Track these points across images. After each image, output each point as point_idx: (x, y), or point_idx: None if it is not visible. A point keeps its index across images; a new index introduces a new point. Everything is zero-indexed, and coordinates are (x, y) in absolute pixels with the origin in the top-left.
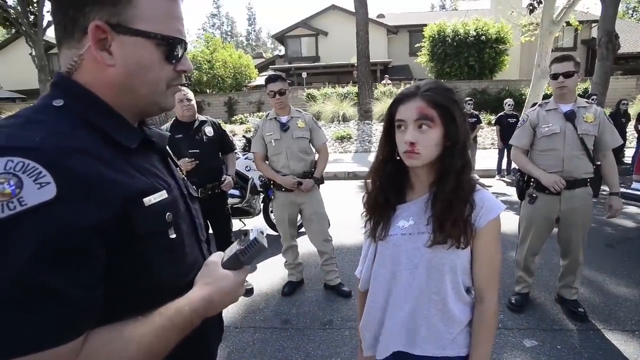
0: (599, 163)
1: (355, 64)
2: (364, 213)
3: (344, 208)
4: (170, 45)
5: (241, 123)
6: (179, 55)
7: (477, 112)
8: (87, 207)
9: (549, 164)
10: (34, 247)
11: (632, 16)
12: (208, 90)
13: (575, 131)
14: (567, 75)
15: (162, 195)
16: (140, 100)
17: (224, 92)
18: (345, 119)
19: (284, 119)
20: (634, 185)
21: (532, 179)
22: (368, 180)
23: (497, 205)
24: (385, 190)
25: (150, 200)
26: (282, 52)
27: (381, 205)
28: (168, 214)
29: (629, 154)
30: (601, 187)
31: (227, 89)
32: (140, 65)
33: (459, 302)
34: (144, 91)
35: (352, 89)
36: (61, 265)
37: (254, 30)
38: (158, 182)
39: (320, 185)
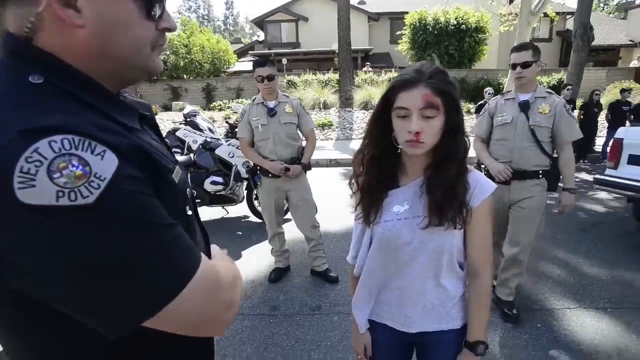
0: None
1: (337, 51)
2: (354, 197)
3: (327, 195)
4: None
5: (220, 110)
6: (161, 11)
7: None
8: (138, 169)
9: (501, 154)
10: (134, 204)
11: (603, 9)
12: (185, 76)
13: (527, 122)
14: (525, 65)
15: (179, 171)
16: (120, 67)
17: (201, 77)
18: (326, 106)
19: (271, 103)
20: (607, 171)
21: (485, 168)
22: (358, 165)
23: (489, 185)
24: (378, 174)
25: (175, 177)
26: (262, 38)
27: (374, 189)
28: (188, 189)
29: (600, 142)
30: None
31: (205, 75)
32: (116, 23)
33: (453, 277)
34: (125, 55)
35: (333, 76)
36: (155, 209)
37: (232, 15)
38: (169, 158)
39: (307, 172)
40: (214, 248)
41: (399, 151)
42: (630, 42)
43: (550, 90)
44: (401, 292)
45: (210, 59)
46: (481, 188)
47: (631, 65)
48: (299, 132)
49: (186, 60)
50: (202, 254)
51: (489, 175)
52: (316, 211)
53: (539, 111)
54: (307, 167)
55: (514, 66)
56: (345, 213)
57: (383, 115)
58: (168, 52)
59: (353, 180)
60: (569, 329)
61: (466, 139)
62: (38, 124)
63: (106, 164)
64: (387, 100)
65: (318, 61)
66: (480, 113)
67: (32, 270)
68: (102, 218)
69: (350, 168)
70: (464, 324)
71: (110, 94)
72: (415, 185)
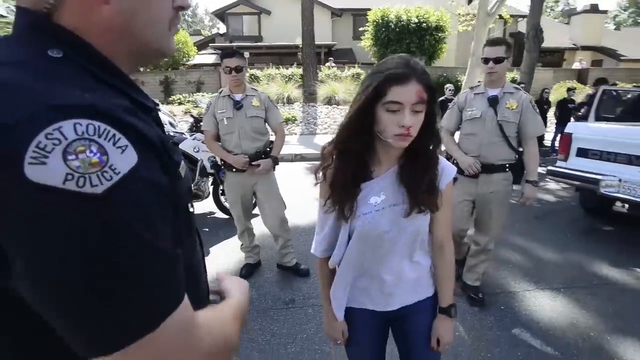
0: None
1: (300, 46)
2: (320, 187)
3: (293, 190)
4: None
5: (180, 103)
6: None
7: None
8: (159, 169)
9: (469, 148)
10: (140, 213)
11: (549, 14)
12: (142, 69)
13: (495, 117)
14: (498, 60)
15: (184, 165)
16: (139, 46)
17: (159, 70)
18: (289, 101)
19: (237, 96)
20: (559, 163)
21: (455, 160)
22: (328, 156)
23: (452, 168)
24: (353, 168)
25: (182, 171)
26: (222, 30)
27: (349, 184)
28: (191, 185)
29: (548, 137)
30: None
31: (163, 67)
32: (141, 1)
33: (423, 252)
34: (147, 34)
35: (296, 70)
36: (159, 228)
37: (191, 5)
38: (176, 150)
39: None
40: (231, 283)
41: (374, 143)
42: (573, 46)
43: (517, 86)
44: (382, 276)
45: None
46: (446, 172)
47: (574, 66)
48: (267, 126)
49: None
50: (186, 299)
51: (459, 168)
52: (285, 207)
53: (506, 107)
54: (275, 161)
55: (486, 60)
56: (312, 207)
57: (370, 109)
58: None
59: (320, 172)
60: (528, 309)
61: (439, 129)
62: (66, 102)
63: (125, 159)
64: (379, 94)
65: (281, 55)
66: (450, 107)
67: (19, 259)
68: (104, 212)
69: (316, 163)
70: (434, 291)
71: (126, 75)
72: (391, 175)
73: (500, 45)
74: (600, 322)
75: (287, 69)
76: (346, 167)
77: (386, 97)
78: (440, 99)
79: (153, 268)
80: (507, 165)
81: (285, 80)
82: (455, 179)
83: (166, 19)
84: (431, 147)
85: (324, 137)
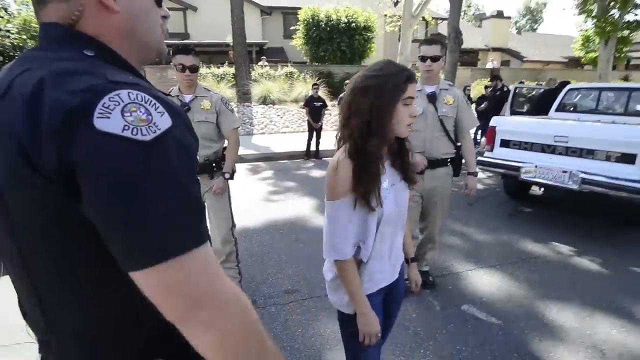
0: (459, 144)
1: (230, 44)
2: (343, 191)
3: (234, 191)
4: None
5: None
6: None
7: None
8: (188, 133)
9: (415, 143)
10: (175, 160)
11: (463, 18)
12: None
13: (435, 112)
14: (435, 59)
15: None
16: (142, 47)
17: None
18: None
19: (187, 97)
20: (486, 154)
21: None
22: (370, 157)
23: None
24: (380, 159)
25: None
26: None
27: (378, 175)
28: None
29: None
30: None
31: None
32: (141, 9)
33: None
34: (148, 37)
35: (228, 69)
36: (191, 177)
37: None
38: None
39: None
40: None
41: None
42: (485, 47)
43: (450, 83)
44: (395, 251)
45: None
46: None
47: (487, 66)
48: (224, 131)
49: None
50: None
51: None
52: (232, 225)
53: (444, 102)
54: (230, 176)
55: (423, 58)
56: (257, 208)
57: (395, 106)
58: (25, 36)
59: (357, 172)
60: (472, 286)
61: None
62: (119, 79)
63: (164, 120)
64: (401, 92)
65: (210, 54)
66: None
67: (89, 185)
68: (151, 154)
69: (255, 164)
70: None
71: (137, 70)
72: (386, 164)
73: (436, 44)
74: (530, 290)
75: (218, 67)
76: (376, 161)
77: (405, 94)
78: None
79: (183, 203)
80: (449, 159)
81: (217, 79)
82: None
83: (159, 24)
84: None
85: (262, 138)
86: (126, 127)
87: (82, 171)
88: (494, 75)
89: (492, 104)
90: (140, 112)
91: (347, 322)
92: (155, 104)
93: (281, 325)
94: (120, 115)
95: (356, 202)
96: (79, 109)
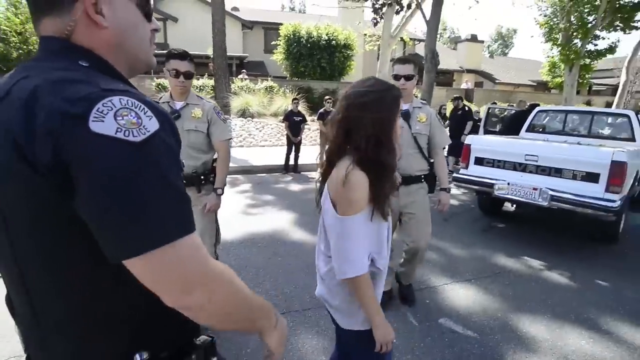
0: (432, 161)
1: (211, 56)
2: (378, 199)
3: None
4: (146, 4)
5: None
6: (151, 14)
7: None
8: (172, 136)
9: None
10: (162, 158)
11: (439, 40)
12: None
13: (409, 130)
14: (408, 77)
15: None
16: (131, 59)
17: None
18: None
19: (178, 104)
20: (461, 171)
21: None
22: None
23: None
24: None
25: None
26: None
27: (392, 184)
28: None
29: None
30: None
31: None
32: (129, 24)
33: None
34: (136, 49)
35: (208, 81)
36: (175, 173)
37: None
38: None
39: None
40: None
41: None
42: (460, 68)
43: (424, 101)
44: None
45: None
46: None
47: (462, 86)
48: (214, 141)
49: (21, 51)
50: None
51: None
52: (215, 242)
53: (417, 120)
54: (221, 191)
55: (397, 77)
56: (235, 221)
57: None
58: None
59: (383, 183)
60: (449, 299)
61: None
62: (112, 87)
63: (152, 123)
64: (398, 107)
65: None
66: None
67: (84, 180)
68: (141, 154)
69: (234, 176)
70: None
71: (128, 80)
72: None
73: (409, 63)
74: (503, 303)
75: (198, 79)
76: (393, 170)
77: (400, 108)
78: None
79: (171, 197)
80: (423, 176)
81: (197, 91)
82: None
83: (147, 38)
84: None
85: (240, 150)
86: (119, 130)
87: (78, 168)
88: (455, 97)
89: (454, 123)
90: (131, 116)
91: (367, 338)
92: (144, 108)
93: (258, 340)
94: (113, 119)
95: (373, 212)
96: (76, 114)
